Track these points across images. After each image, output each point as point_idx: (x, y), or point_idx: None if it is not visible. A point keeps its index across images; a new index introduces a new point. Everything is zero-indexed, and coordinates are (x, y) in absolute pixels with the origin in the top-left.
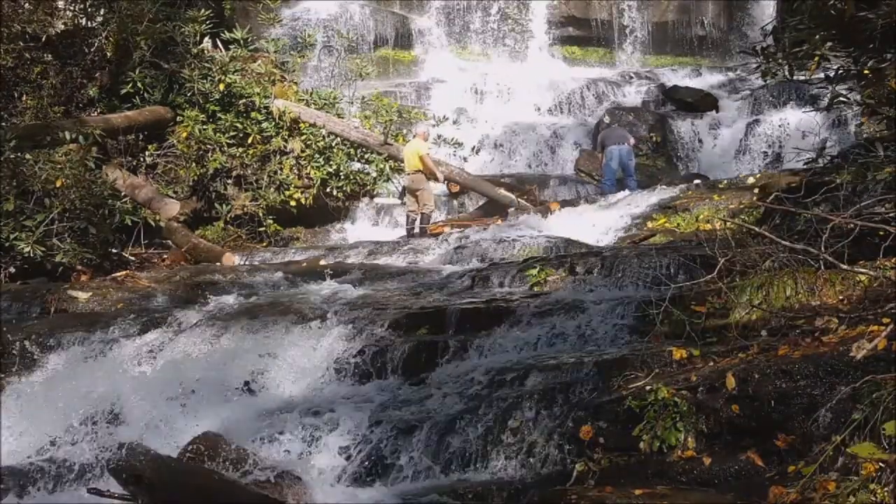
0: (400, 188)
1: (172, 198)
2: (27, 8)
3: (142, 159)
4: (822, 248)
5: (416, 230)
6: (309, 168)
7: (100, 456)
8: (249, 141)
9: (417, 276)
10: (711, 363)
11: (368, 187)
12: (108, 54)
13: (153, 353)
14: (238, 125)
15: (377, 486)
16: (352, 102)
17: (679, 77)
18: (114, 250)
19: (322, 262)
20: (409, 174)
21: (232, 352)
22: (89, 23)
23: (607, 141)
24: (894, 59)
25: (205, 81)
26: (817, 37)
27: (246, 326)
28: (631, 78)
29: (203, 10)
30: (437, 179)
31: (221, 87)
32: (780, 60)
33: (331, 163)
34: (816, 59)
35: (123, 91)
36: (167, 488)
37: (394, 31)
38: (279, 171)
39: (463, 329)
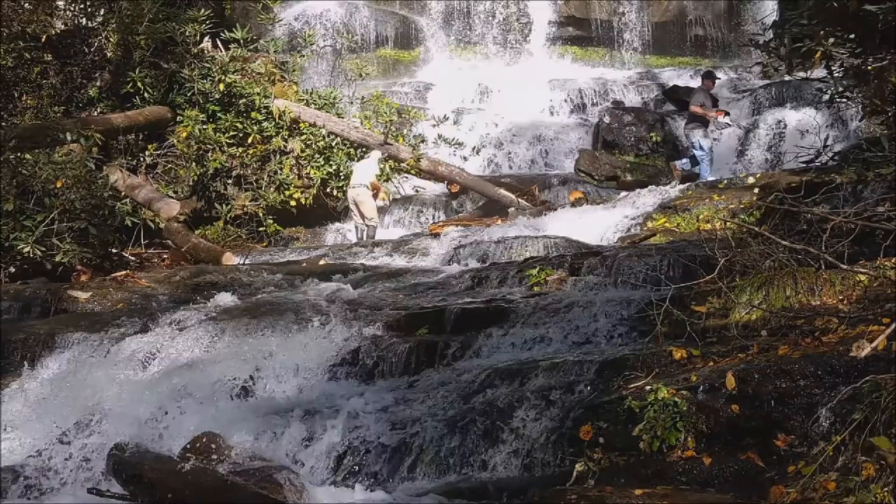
0: (396, 188)
1: (172, 198)
2: (27, 8)
3: (142, 159)
4: (823, 248)
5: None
6: (309, 168)
7: (100, 456)
8: (249, 141)
9: (417, 276)
10: (711, 363)
11: None
12: (108, 54)
13: (153, 353)
14: (238, 125)
15: (377, 486)
16: (352, 102)
17: (679, 77)
18: (114, 250)
19: (322, 262)
20: (353, 187)
21: (232, 352)
22: (89, 23)
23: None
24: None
25: (205, 81)
26: (821, 32)
27: (246, 326)
28: (631, 78)
29: (203, 10)
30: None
31: (221, 86)
32: (781, 56)
33: (331, 163)
34: (819, 54)
35: (123, 91)
36: (167, 488)
37: (394, 30)
38: (279, 171)
39: (463, 329)
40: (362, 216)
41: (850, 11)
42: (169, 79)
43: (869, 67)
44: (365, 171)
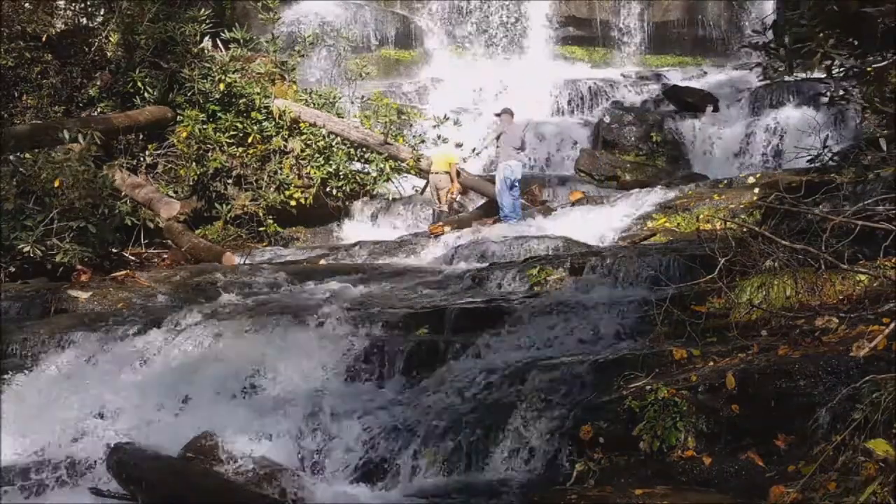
0: (401, 187)
1: (172, 197)
2: (27, 8)
3: (142, 159)
4: (823, 248)
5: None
6: (309, 168)
7: (100, 456)
8: (249, 140)
9: (417, 275)
10: (711, 363)
11: (368, 187)
12: (108, 54)
13: (153, 353)
14: (238, 125)
15: (377, 485)
16: (352, 102)
17: (679, 77)
18: (114, 250)
19: (322, 262)
20: (436, 173)
21: (231, 352)
22: (89, 23)
23: (504, 150)
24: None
25: (205, 81)
26: (821, 34)
27: (246, 326)
28: (631, 78)
29: (203, 10)
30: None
31: (221, 86)
32: (781, 57)
33: (331, 162)
34: (819, 55)
35: (124, 91)
36: (167, 488)
37: (395, 30)
38: (279, 171)
39: (463, 329)
40: (440, 200)
41: (850, 13)
42: (169, 79)
43: (868, 68)
44: (444, 158)
